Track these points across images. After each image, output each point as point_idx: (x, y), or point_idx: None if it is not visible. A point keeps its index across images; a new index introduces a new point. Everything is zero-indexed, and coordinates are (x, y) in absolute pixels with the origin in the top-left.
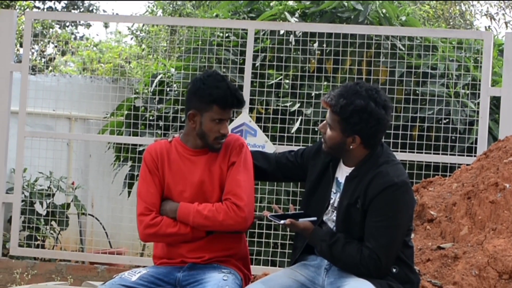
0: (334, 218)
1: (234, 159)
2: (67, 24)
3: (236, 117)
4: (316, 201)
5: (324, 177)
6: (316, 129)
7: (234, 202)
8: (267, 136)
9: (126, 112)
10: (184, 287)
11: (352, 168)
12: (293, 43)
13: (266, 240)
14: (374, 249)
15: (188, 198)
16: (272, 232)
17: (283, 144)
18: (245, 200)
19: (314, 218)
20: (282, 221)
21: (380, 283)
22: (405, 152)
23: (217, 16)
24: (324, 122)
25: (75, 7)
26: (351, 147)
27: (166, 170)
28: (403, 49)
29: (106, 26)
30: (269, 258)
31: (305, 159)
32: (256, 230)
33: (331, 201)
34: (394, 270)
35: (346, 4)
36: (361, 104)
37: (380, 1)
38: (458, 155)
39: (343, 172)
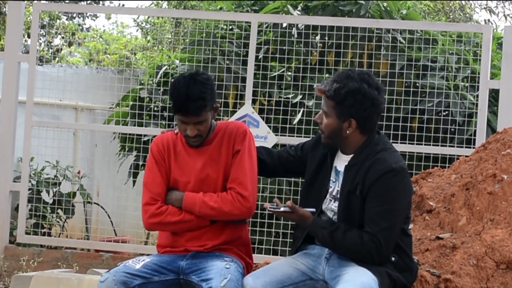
0: (334, 207)
1: (239, 147)
2: (74, 15)
3: (239, 109)
4: (315, 191)
5: (323, 168)
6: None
7: (239, 192)
8: (270, 127)
9: (131, 102)
10: (187, 275)
11: (351, 156)
12: (296, 35)
13: (268, 230)
14: (375, 233)
15: (193, 188)
16: (273, 221)
17: (285, 135)
18: (250, 189)
19: (313, 209)
20: (282, 208)
21: (379, 271)
22: (405, 143)
23: (221, 9)
24: (320, 112)
25: None
26: (348, 132)
27: (172, 161)
28: (404, 42)
29: (108, 17)
30: (271, 247)
31: (305, 152)
32: (258, 220)
33: (330, 190)
34: (393, 258)
35: None
36: (355, 86)
37: None
38: (457, 146)
39: (341, 161)
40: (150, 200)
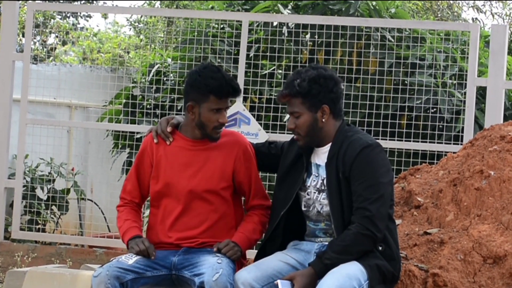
0: (322, 199)
1: (250, 162)
2: (68, 15)
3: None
4: (287, 186)
5: (297, 164)
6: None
7: (267, 207)
8: (261, 124)
9: (124, 100)
10: (179, 271)
11: (328, 147)
12: (286, 34)
13: None
14: (365, 207)
15: (192, 187)
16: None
17: (276, 132)
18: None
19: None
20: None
21: (369, 264)
22: (394, 140)
23: (212, 8)
24: (290, 119)
25: None
26: (323, 120)
27: (163, 162)
28: (392, 40)
29: (105, 17)
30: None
31: (283, 151)
32: None
33: (314, 183)
34: (380, 247)
35: None
36: (314, 74)
37: None
38: (445, 143)
39: (319, 155)
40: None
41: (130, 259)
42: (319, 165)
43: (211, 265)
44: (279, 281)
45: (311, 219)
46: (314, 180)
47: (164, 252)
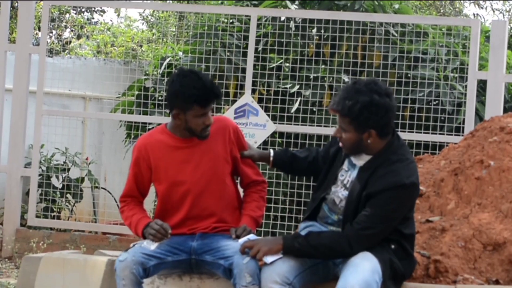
0: (341, 194)
1: (241, 141)
2: (83, 9)
3: (239, 98)
4: (330, 176)
5: (339, 154)
6: (313, 110)
7: (262, 181)
8: (268, 115)
9: (136, 92)
10: (200, 255)
11: (369, 157)
12: (293, 28)
13: (267, 213)
14: (365, 226)
15: (196, 181)
16: (272, 205)
17: (283, 123)
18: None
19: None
20: (248, 237)
21: (384, 259)
22: (397, 131)
23: (222, 3)
24: (337, 128)
25: None
26: (368, 141)
27: (163, 164)
28: (396, 35)
29: (118, 14)
30: (269, 230)
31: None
32: None
33: (342, 178)
34: (392, 246)
35: None
36: (366, 100)
37: None
38: (447, 134)
39: (360, 157)
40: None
41: (152, 245)
42: (354, 164)
43: (237, 250)
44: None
45: (327, 205)
46: (343, 175)
47: (181, 237)
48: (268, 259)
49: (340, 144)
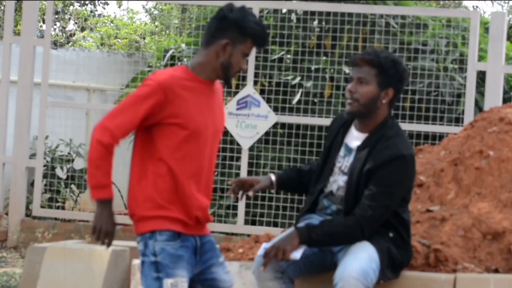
0: (341, 181)
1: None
2: (87, 2)
3: (241, 90)
4: (326, 167)
5: (334, 144)
6: (315, 101)
7: None
8: (270, 106)
9: (140, 84)
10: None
11: (365, 136)
12: (295, 21)
13: (269, 203)
14: (370, 206)
15: (215, 128)
16: (274, 195)
17: (285, 114)
18: None
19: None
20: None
21: (381, 248)
22: (398, 122)
23: None
24: (353, 82)
25: None
26: (383, 101)
27: (181, 106)
28: (396, 26)
29: (119, 5)
30: (271, 219)
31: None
32: (260, 194)
33: (339, 165)
34: (391, 234)
35: None
36: (397, 58)
37: None
38: (447, 124)
39: (353, 139)
40: (113, 132)
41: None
42: (350, 148)
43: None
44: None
45: (326, 196)
46: (340, 161)
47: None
48: (296, 255)
49: (350, 102)
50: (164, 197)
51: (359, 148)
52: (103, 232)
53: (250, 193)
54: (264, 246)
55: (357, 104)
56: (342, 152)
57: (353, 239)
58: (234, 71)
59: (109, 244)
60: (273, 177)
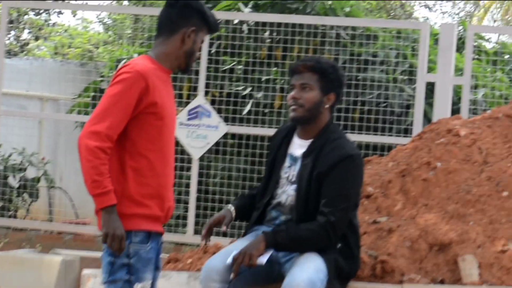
0: (290, 190)
1: None
2: (41, 11)
3: (193, 100)
4: (272, 180)
5: (278, 156)
6: (265, 112)
7: None
8: (221, 117)
9: (92, 94)
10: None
11: (309, 142)
12: (246, 31)
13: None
14: (332, 212)
15: (174, 124)
16: (224, 205)
17: (235, 125)
18: None
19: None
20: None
21: (329, 259)
22: (347, 132)
23: None
24: (296, 90)
25: None
26: (326, 106)
27: (157, 95)
28: (347, 38)
29: (74, 14)
30: (220, 229)
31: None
32: (210, 204)
33: (285, 175)
34: (338, 245)
35: None
36: (336, 64)
37: None
38: (395, 136)
39: (297, 147)
40: (108, 132)
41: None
42: (295, 156)
43: None
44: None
45: (274, 207)
46: (286, 172)
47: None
48: (262, 259)
49: (295, 108)
50: (143, 192)
51: (305, 155)
52: (116, 237)
53: (224, 228)
54: (233, 254)
55: (302, 110)
56: (287, 162)
57: (319, 244)
58: (194, 59)
59: (122, 250)
60: (232, 209)
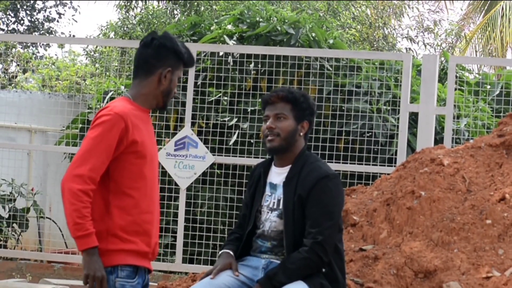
0: (272, 217)
1: None
2: (29, 44)
3: (179, 131)
4: (253, 211)
5: (257, 188)
6: (251, 142)
7: None
8: (207, 147)
9: (80, 125)
10: None
11: (288, 169)
12: (231, 63)
13: (206, 242)
14: (318, 231)
15: (157, 161)
16: (211, 234)
17: (222, 155)
18: None
19: None
20: None
21: (314, 283)
22: (332, 162)
23: None
24: (271, 120)
25: (36, 29)
26: (300, 134)
27: (137, 134)
28: (331, 69)
29: (61, 47)
30: (209, 258)
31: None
32: (197, 233)
33: (266, 203)
34: (324, 269)
35: (279, 28)
36: (306, 93)
37: (310, 26)
38: (380, 165)
39: (275, 175)
40: (91, 174)
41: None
42: (275, 184)
43: None
44: None
45: (259, 237)
46: (267, 200)
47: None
48: None
49: (271, 139)
50: (129, 229)
51: (286, 181)
52: (97, 278)
53: (236, 274)
54: None
55: (278, 139)
56: (267, 191)
57: (314, 268)
58: (171, 97)
59: None
60: (231, 253)
